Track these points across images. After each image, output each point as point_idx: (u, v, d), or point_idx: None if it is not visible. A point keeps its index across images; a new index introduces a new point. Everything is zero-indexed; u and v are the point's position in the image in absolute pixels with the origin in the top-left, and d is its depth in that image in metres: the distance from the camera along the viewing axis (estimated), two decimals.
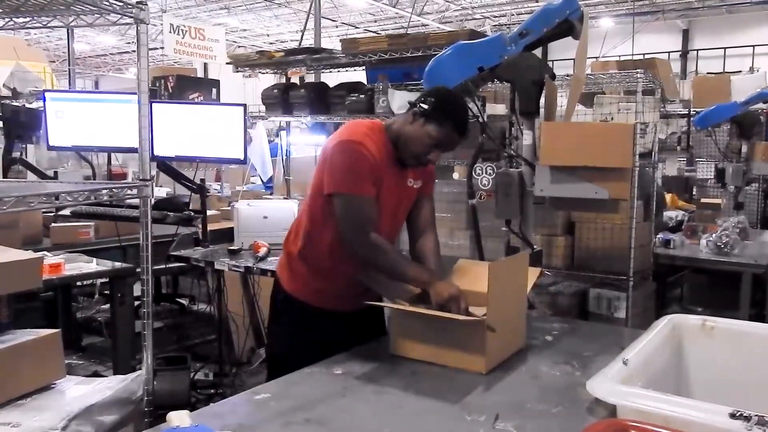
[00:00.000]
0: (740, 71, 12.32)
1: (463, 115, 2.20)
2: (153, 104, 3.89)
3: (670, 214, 5.46)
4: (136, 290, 2.75)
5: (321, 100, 4.26)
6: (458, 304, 1.97)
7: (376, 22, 17.89)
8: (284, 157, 5.61)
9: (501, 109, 3.69)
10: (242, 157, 3.94)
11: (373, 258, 2.12)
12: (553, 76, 2.66)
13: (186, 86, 9.01)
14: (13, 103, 5.98)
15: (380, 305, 2.21)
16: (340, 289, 2.26)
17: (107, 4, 1.87)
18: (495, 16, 16.82)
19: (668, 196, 6.02)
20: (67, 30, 11.52)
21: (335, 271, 2.24)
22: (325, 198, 2.13)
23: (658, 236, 4.42)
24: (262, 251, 3.54)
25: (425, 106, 2.14)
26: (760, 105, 5.62)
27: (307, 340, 2.24)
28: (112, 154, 5.35)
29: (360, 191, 2.09)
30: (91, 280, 3.75)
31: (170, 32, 8.69)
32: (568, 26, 2.60)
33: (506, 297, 1.95)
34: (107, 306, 4.28)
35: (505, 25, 15.73)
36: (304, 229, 2.27)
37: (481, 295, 1.91)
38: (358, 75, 4.56)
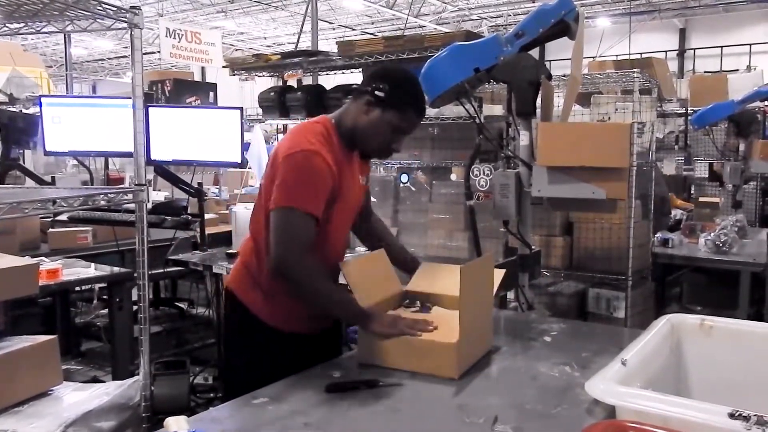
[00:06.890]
0: (737, 70, 12.37)
1: (421, 96, 2.03)
2: (150, 108, 3.89)
3: None
4: (135, 295, 2.74)
5: (318, 103, 4.26)
6: (418, 326, 1.87)
7: (373, 24, 17.91)
8: None
9: (498, 109, 3.69)
10: (240, 161, 3.94)
11: (307, 282, 1.89)
12: (549, 77, 2.66)
13: (183, 90, 9.02)
14: (9, 109, 5.97)
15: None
16: (301, 310, 2.04)
17: (101, 9, 1.86)
18: (492, 17, 16.85)
19: None
20: (64, 35, 11.52)
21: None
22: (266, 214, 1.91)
23: (656, 235, 4.42)
24: None
25: (380, 94, 1.93)
26: (757, 103, 5.64)
27: (267, 363, 2.01)
28: (110, 159, 5.34)
29: (307, 208, 1.87)
30: (89, 285, 3.75)
31: (166, 36, 8.70)
32: (563, 27, 2.61)
33: (475, 299, 1.91)
34: (106, 311, 4.27)
35: (502, 26, 15.76)
36: (258, 247, 2.07)
37: (447, 297, 2.01)
38: (355, 77, 4.56)
